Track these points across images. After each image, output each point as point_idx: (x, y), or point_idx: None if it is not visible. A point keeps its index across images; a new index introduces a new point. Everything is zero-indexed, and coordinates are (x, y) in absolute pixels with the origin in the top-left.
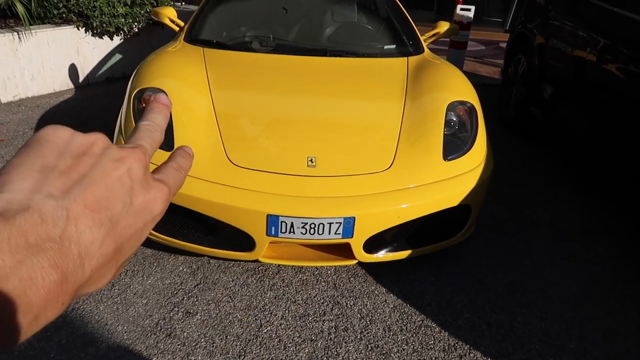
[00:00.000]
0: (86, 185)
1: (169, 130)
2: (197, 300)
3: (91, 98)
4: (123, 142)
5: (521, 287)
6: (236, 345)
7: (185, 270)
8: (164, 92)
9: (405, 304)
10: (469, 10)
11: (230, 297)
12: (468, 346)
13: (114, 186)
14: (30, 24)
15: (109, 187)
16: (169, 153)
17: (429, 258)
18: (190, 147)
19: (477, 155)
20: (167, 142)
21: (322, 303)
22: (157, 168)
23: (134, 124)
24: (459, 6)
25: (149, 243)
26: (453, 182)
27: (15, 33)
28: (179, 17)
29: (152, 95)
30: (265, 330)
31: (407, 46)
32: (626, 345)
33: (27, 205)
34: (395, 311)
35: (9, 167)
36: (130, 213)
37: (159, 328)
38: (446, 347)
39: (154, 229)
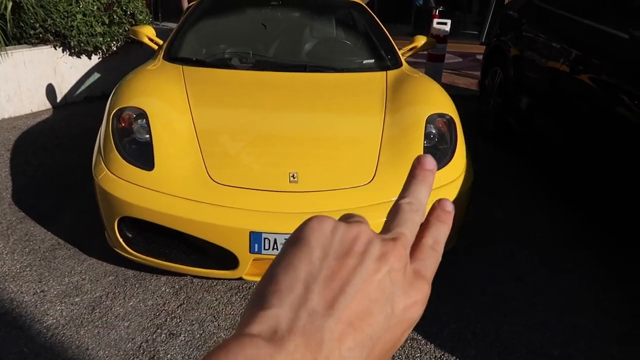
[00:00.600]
0: (350, 298)
1: (149, 150)
2: (180, 321)
3: (70, 118)
4: (102, 162)
5: (506, 296)
6: None
7: (167, 290)
8: (143, 111)
9: None
10: (445, 24)
11: (214, 316)
12: (454, 357)
13: (375, 295)
14: (6, 45)
15: (370, 296)
16: (151, 173)
17: None
18: (171, 166)
19: (457, 167)
20: (147, 162)
21: None
22: (412, 248)
23: (113, 144)
24: (436, 20)
25: (130, 264)
26: (434, 194)
27: None
28: (157, 36)
29: (417, 160)
30: None
31: (386, 60)
32: (610, 352)
33: (294, 326)
34: None
35: (276, 270)
36: (392, 325)
37: (141, 351)
38: (433, 359)
39: (134, 250)
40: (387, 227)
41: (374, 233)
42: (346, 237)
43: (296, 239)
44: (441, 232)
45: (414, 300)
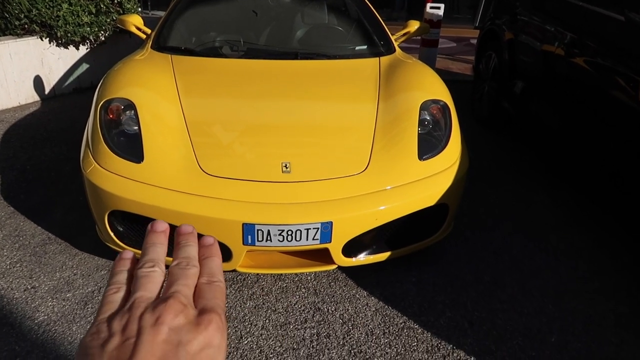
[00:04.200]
0: None
1: (138, 142)
2: None
3: (58, 110)
4: (91, 156)
5: (501, 283)
6: None
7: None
8: (132, 102)
9: (386, 307)
10: (438, 8)
11: None
12: (451, 346)
13: (165, 351)
14: None
15: (161, 354)
16: (140, 165)
17: (409, 259)
18: (161, 158)
19: (452, 154)
20: (136, 154)
21: (303, 310)
22: (194, 292)
23: (101, 136)
24: (429, 4)
25: None
26: (429, 181)
27: None
28: (145, 25)
29: (177, 230)
30: (246, 342)
31: (379, 46)
32: (606, 336)
33: None
34: (377, 314)
35: None
36: None
37: None
38: (429, 348)
39: (126, 243)
40: (164, 292)
41: (145, 306)
42: (113, 330)
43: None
44: (213, 265)
45: (206, 335)
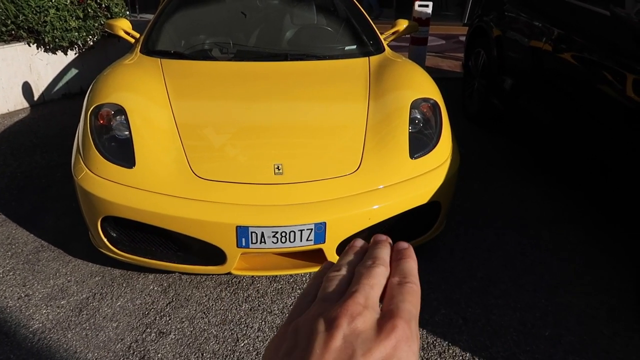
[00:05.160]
0: None
1: (129, 147)
2: (170, 319)
3: (48, 116)
4: (82, 162)
5: (495, 279)
6: None
7: (156, 288)
8: (122, 107)
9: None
10: (427, 6)
11: (204, 312)
12: (446, 342)
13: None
14: None
15: None
16: (132, 170)
17: None
18: (153, 162)
19: (443, 152)
20: (128, 159)
21: None
22: (385, 294)
23: (92, 142)
24: (417, 2)
25: (116, 263)
26: (421, 179)
27: None
28: (134, 28)
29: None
30: (242, 344)
31: (368, 46)
32: (599, 328)
33: None
34: None
35: None
36: None
37: (131, 352)
38: (425, 346)
39: (119, 249)
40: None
41: (319, 311)
42: (289, 335)
43: None
44: (407, 266)
45: (387, 344)
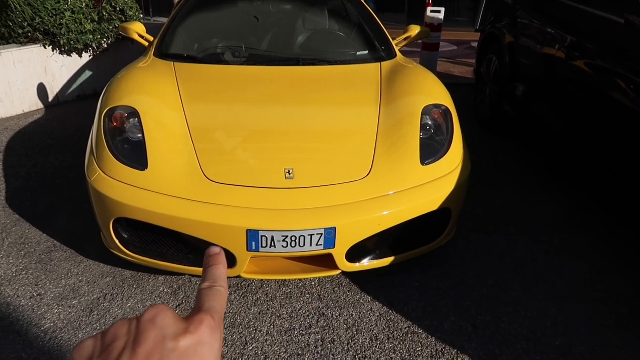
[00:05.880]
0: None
1: (142, 150)
2: None
3: (62, 117)
4: (95, 163)
5: (505, 286)
6: None
7: (166, 290)
8: (135, 110)
9: (391, 312)
10: (439, 12)
11: None
12: (455, 350)
13: (151, 348)
14: None
15: (148, 351)
16: (145, 173)
17: (412, 263)
18: (165, 165)
19: (454, 158)
20: (140, 162)
21: (308, 316)
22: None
23: (105, 144)
24: (430, 9)
25: (127, 265)
26: (432, 186)
27: None
28: (148, 32)
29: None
30: (251, 348)
31: (380, 51)
32: (610, 338)
33: None
34: (382, 319)
35: None
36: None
37: None
38: (434, 353)
39: (131, 250)
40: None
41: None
42: (108, 336)
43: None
44: (214, 271)
45: (196, 333)
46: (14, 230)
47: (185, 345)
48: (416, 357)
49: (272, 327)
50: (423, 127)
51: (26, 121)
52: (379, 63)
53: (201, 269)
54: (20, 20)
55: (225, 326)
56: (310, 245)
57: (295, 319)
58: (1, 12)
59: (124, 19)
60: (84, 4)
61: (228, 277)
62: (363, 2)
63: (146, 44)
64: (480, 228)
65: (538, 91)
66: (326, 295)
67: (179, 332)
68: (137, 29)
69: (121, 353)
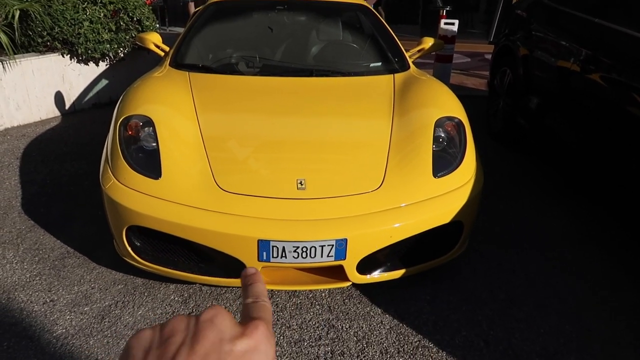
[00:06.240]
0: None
1: (156, 158)
2: None
3: (78, 125)
4: (110, 171)
5: (517, 301)
6: None
7: (176, 299)
8: (150, 119)
9: (401, 325)
10: (452, 24)
11: None
12: None
13: (207, 350)
14: (15, 53)
15: (204, 353)
16: (158, 181)
17: (423, 276)
18: (178, 174)
19: (467, 171)
20: (154, 170)
21: (317, 327)
22: (243, 312)
23: (120, 153)
24: (443, 20)
25: (139, 272)
26: (444, 198)
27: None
28: (164, 41)
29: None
30: None
31: (393, 63)
32: (625, 356)
33: None
34: (392, 332)
35: None
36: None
37: None
38: None
39: (143, 258)
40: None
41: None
42: (166, 330)
43: (123, 350)
44: (256, 289)
45: (252, 338)
46: (28, 235)
47: (241, 350)
48: None
49: (281, 337)
50: (436, 139)
51: (43, 128)
52: (392, 75)
53: (212, 278)
54: (39, 29)
55: None
56: (321, 256)
57: (305, 330)
58: (22, 21)
59: (140, 28)
60: (102, 14)
61: (237, 287)
62: (376, 13)
63: (162, 53)
64: (492, 241)
65: (552, 104)
66: (336, 307)
67: (236, 335)
68: (154, 39)
69: (179, 348)
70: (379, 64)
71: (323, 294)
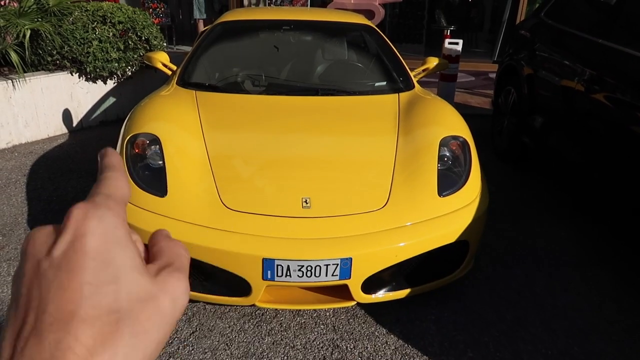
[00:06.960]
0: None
1: (162, 176)
2: (193, 349)
3: (85, 142)
4: None
5: (524, 322)
6: None
7: (180, 317)
8: (157, 137)
9: (406, 345)
10: (457, 43)
11: (227, 344)
12: None
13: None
14: (24, 72)
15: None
16: (164, 199)
17: (429, 296)
18: (184, 192)
19: (472, 190)
20: (160, 188)
21: (322, 347)
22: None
23: (126, 170)
24: (447, 40)
25: None
26: (449, 218)
27: (9, 81)
28: (171, 60)
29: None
30: None
31: (398, 82)
32: None
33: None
34: (397, 353)
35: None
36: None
37: None
38: None
39: None
40: None
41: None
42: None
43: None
44: (104, 163)
45: (67, 227)
46: None
47: (59, 253)
48: None
49: (285, 357)
50: (440, 158)
51: (50, 145)
52: (397, 94)
53: (216, 297)
54: (49, 48)
55: (239, 356)
56: (326, 275)
57: (309, 350)
58: (32, 40)
59: (148, 47)
60: (111, 34)
61: (241, 306)
62: (381, 33)
63: (169, 72)
64: (498, 261)
65: (556, 123)
66: (341, 327)
67: (49, 242)
68: (161, 59)
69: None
70: (384, 83)
71: (327, 314)
